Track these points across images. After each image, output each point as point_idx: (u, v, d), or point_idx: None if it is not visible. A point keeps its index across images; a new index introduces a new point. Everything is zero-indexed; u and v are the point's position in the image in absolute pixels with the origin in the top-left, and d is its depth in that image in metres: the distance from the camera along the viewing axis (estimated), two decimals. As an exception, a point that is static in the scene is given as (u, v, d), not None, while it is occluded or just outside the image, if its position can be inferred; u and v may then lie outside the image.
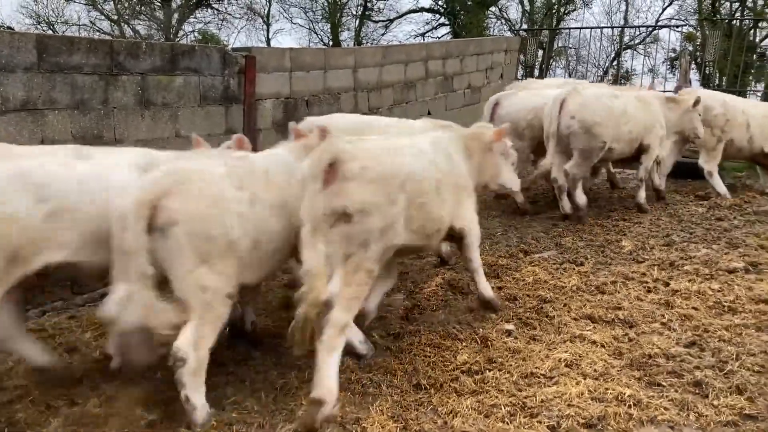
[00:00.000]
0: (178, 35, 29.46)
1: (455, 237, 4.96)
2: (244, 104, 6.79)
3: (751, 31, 26.05)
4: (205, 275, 3.68)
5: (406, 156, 4.26)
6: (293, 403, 3.96)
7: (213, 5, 31.51)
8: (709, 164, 8.97)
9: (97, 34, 27.39)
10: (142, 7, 28.92)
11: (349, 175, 3.87)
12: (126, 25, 28.70)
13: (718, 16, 27.11)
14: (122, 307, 3.59)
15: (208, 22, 31.74)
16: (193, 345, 3.66)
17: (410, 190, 4.15)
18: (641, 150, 8.19)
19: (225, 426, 3.74)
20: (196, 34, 30.63)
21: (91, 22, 28.59)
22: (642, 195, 8.41)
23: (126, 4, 28.64)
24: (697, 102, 8.59)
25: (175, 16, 29.79)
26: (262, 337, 4.96)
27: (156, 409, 3.98)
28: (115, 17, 28.63)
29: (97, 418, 3.86)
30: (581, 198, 7.96)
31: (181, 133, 6.18)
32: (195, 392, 3.73)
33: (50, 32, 26.03)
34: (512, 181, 5.52)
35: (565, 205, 8.04)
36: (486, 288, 5.26)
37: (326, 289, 3.75)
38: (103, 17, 28.83)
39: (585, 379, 4.16)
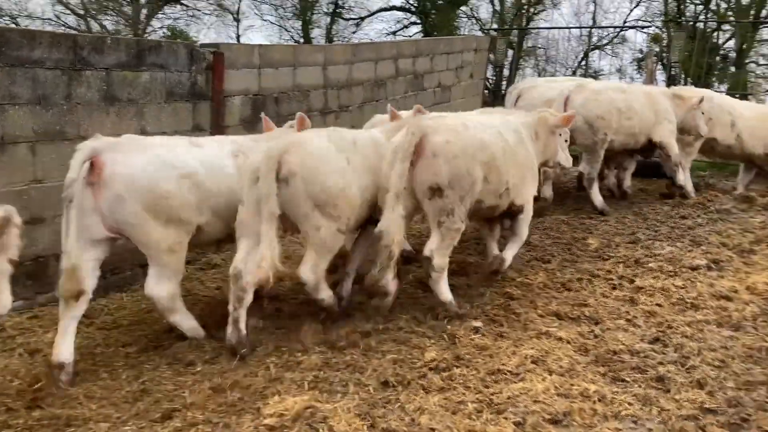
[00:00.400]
0: (147, 31, 29.03)
1: (513, 211, 5.74)
2: (212, 101, 6.71)
3: (715, 34, 26.53)
4: (318, 217, 4.70)
5: (477, 128, 5.21)
6: (260, 403, 3.93)
7: (182, 1, 31.12)
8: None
9: (62, 28, 26.84)
10: (110, 2, 28.43)
11: (436, 149, 4.91)
12: (93, 20, 28.17)
13: (683, 18, 27.59)
14: (244, 263, 4.58)
15: (178, 18, 31.31)
16: (311, 269, 4.84)
17: (484, 156, 5.12)
18: (653, 146, 8.49)
19: (189, 426, 3.70)
20: (165, 30, 30.19)
21: (56, 16, 28.01)
22: (689, 187, 8.81)
23: (92, -1, 28.13)
24: (701, 100, 8.72)
25: (144, 11, 29.35)
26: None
27: (124, 408, 3.94)
28: (81, 12, 28.07)
29: (59, 420, 3.80)
30: (597, 198, 8.33)
31: (147, 129, 6.09)
32: (323, 292, 5.00)
33: (12, 26, 25.46)
34: (567, 160, 6.36)
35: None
36: (509, 259, 5.89)
37: (402, 239, 4.95)
38: (68, 11, 28.24)
39: (551, 375, 4.20)
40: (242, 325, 4.63)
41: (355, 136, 5.25)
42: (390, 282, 5.04)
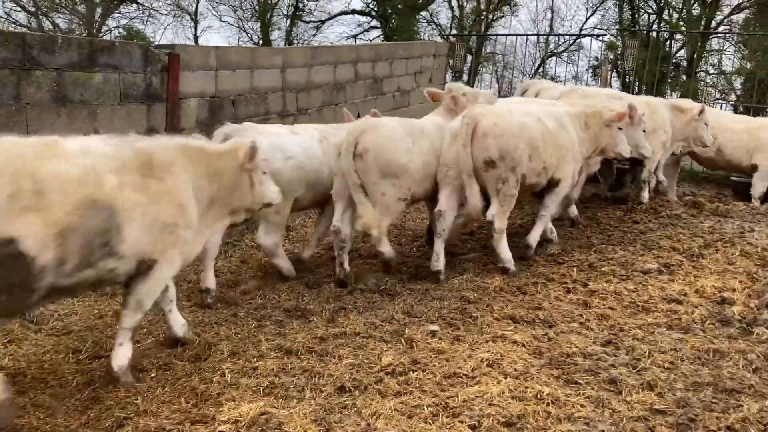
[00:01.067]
0: (102, 30, 28.45)
1: (550, 185, 6.62)
2: (167, 103, 6.62)
3: (667, 43, 27.25)
4: (384, 185, 5.89)
5: (519, 115, 6.28)
6: (214, 410, 3.87)
7: (138, 0, 30.61)
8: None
9: (12, 26, 26.11)
10: (63, 0, 27.78)
11: (486, 130, 5.99)
12: (45, 18, 27.48)
13: (637, 27, 28.26)
14: (340, 221, 6.05)
15: (134, 18, 30.80)
16: (376, 227, 5.97)
17: (526, 137, 6.12)
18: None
19: (142, 434, 3.63)
20: (120, 29, 29.65)
21: (6, 13, 27.23)
22: (645, 196, 8.85)
23: (45, -4, 27.43)
24: (702, 111, 8.77)
25: (99, 10, 28.77)
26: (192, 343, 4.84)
27: (73, 416, 3.84)
28: (33, 9, 27.35)
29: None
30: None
31: (99, 131, 5.96)
32: (385, 246, 6.22)
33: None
34: (626, 151, 7.11)
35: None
36: (535, 238, 6.79)
37: (480, 207, 6.05)
38: (18, 8, 27.49)
39: (506, 378, 4.24)
40: (346, 265, 6.10)
41: (423, 124, 6.52)
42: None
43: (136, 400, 4.01)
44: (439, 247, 6.19)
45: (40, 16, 27.22)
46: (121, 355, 4.21)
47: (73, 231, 3.56)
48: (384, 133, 5.96)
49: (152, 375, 4.36)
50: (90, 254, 3.68)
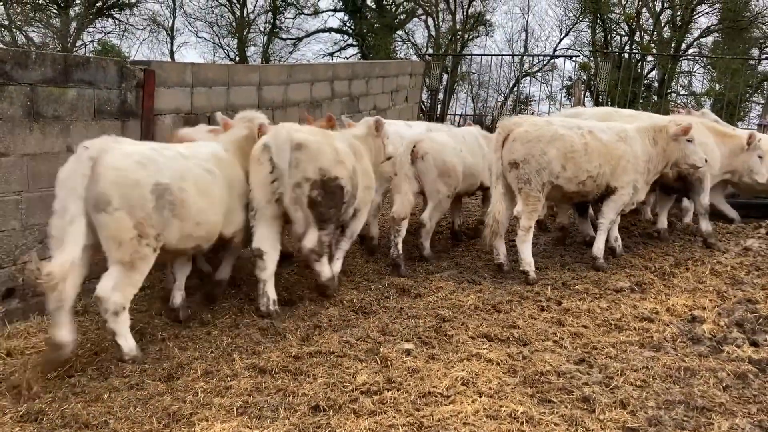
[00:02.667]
0: (77, 45, 28.22)
1: (607, 193, 7.09)
2: (142, 119, 6.56)
3: (639, 64, 27.76)
4: (439, 183, 7.20)
5: (557, 125, 6.86)
6: (186, 430, 3.82)
7: (114, 15, 30.45)
8: None
9: (-14, 39, 25.80)
10: (37, 14, 27.52)
11: (515, 136, 6.73)
12: (18, 32, 27.17)
13: (610, 48, 28.78)
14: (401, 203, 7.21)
15: (109, 32, 30.60)
16: (429, 216, 7.34)
17: (559, 146, 6.71)
18: None
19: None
20: (95, 44, 29.43)
21: (-22, 26, 26.90)
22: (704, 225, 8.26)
23: (18, 10, 27.13)
24: (751, 138, 8.43)
25: (73, 24, 28.54)
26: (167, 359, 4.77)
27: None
28: (6, 22, 27.04)
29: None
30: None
31: (73, 147, 5.89)
32: (428, 241, 7.62)
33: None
34: (700, 161, 7.41)
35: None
36: (600, 248, 7.18)
37: (502, 210, 6.85)
38: (-8, 22, 27.17)
39: (480, 397, 4.25)
40: (400, 247, 7.09)
41: (464, 132, 8.13)
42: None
43: (108, 420, 3.95)
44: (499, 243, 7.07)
45: (14, 30, 26.91)
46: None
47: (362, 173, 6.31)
48: (438, 139, 7.37)
49: (123, 395, 4.29)
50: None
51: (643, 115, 9.46)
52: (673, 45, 28.69)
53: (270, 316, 5.65)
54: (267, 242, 5.61)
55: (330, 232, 5.86)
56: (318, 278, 5.95)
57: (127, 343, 4.74)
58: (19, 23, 27.13)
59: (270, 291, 5.74)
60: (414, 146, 7.16)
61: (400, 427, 3.87)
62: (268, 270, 5.66)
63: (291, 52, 32.75)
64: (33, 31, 27.55)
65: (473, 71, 29.22)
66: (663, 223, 8.49)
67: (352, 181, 5.92)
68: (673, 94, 29.08)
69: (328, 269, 5.98)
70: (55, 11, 28.10)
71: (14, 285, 5.55)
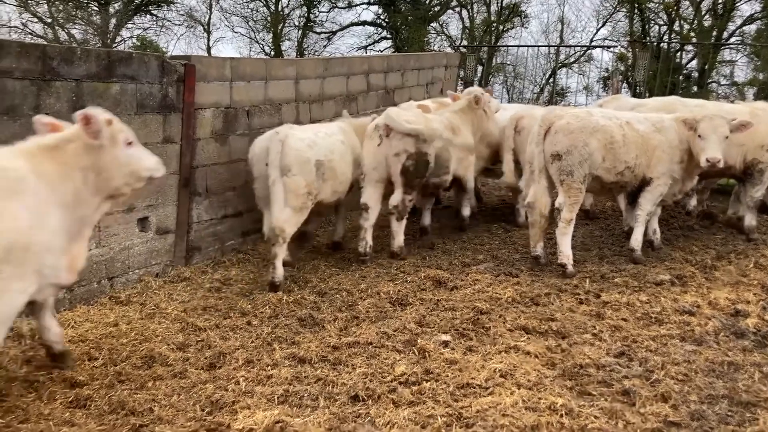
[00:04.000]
0: (116, 41, 28.75)
1: (642, 184, 7.03)
2: (183, 113, 6.67)
3: (678, 54, 27.22)
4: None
5: (598, 116, 6.85)
6: (228, 418, 3.90)
7: (152, 11, 30.91)
8: None
9: (30, 37, 26.42)
10: (78, 11, 28.09)
11: (557, 128, 6.74)
12: (61, 29, 27.79)
13: (648, 38, 28.25)
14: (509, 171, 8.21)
15: (147, 28, 31.10)
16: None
17: (600, 137, 6.68)
18: None
19: (158, 441, 3.66)
20: (134, 40, 29.94)
21: (23, 24, 27.57)
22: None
23: (61, 7, 27.74)
24: None
25: (113, 21, 29.08)
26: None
27: (90, 425, 3.87)
28: (49, 20, 27.68)
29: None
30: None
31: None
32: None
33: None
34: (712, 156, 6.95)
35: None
36: (638, 239, 7.11)
37: (548, 203, 6.83)
38: (35, 20, 27.83)
39: (519, 389, 4.25)
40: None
41: None
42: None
43: (153, 407, 4.05)
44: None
45: (56, 27, 27.53)
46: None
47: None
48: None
49: (167, 383, 4.39)
50: None
51: (709, 104, 9.01)
52: (714, 34, 28.02)
53: (366, 256, 7.14)
54: (372, 199, 7.14)
55: (413, 197, 7.25)
56: (392, 240, 7.32)
57: (277, 270, 6.31)
58: (61, 20, 27.75)
59: (369, 237, 7.18)
60: (516, 121, 8.17)
61: (438, 418, 3.89)
62: (369, 221, 7.12)
63: (325, 46, 32.95)
64: (74, 28, 28.16)
65: (508, 63, 29.01)
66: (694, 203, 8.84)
67: (440, 157, 7.19)
68: (714, 85, 28.43)
69: (402, 236, 7.33)
70: (95, 8, 28.66)
71: (61, 275, 5.70)
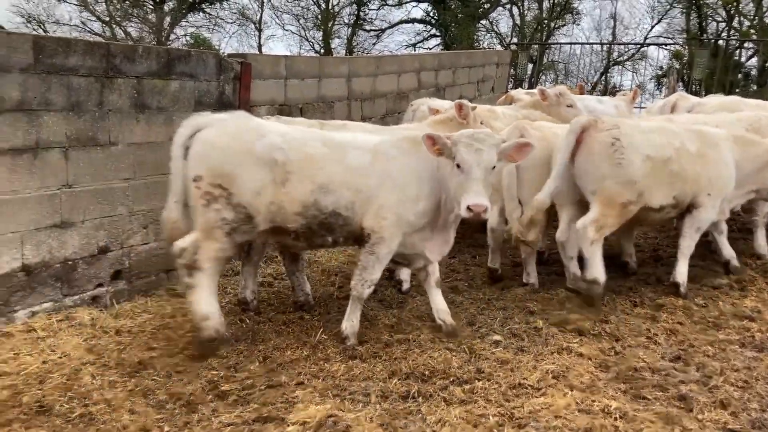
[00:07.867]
0: (170, 38, 29.40)
1: (689, 207, 6.14)
2: (239, 110, 6.79)
3: (737, 51, 26.43)
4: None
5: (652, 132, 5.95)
6: (284, 410, 3.97)
7: (205, 9, 31.49)
8: None
9: (88, 35, 27.24)
10: (135, 10, 28.84)
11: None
12: (117, 27, 28.58)
13: (705, 35, 27.49)
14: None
15: (200, 26, 31.72)
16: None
17: (652, 155, 5.76)
18: None
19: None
20: (188, 37, 30.58)
21: (82, 22, 28.45)
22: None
23: (118, 6, 28.53)
24: None
25: (168, 19, 29.74)
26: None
27: (149, 413, 3.98)
28: (107, 19, 28.49)
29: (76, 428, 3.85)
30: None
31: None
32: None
33: (42, 32, 25.89)
34: None
35: None
36: (683, 273, 6.13)
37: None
38: (94, 18, 28.69)
39: (572, 390, 4.21)
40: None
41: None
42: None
43: (210, 399, 4.14)
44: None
45: (114, 25, 28.31)
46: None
47: None
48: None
49: (221, 374, 4.49)
50: None
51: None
52: (775, 30, 27.11)
53: None
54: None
55: None
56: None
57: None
58: (118, 19, 28.52)
59: None
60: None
61: (490, 417, 3.89)
62: None
63: (374, 44, 33.06)
64: (131, 26, 28.90)
65: (560, 60, 28.62)
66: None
67: None
68: (775, 83, 27.47)
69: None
70: (150, 6, 29.37)
71: (121, 267, 5.89)
